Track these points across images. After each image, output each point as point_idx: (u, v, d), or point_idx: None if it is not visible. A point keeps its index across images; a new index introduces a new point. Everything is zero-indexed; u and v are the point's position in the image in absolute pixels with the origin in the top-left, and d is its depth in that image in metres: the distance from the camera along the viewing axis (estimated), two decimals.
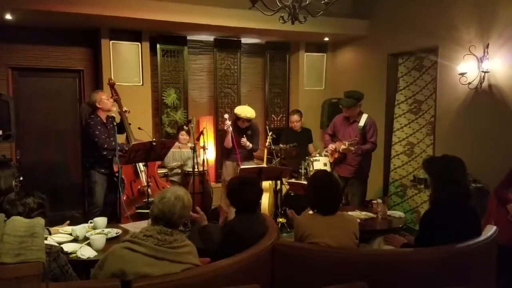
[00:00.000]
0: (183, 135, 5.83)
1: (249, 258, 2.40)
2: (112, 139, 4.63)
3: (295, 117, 6.25)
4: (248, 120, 5.21)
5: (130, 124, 4.95)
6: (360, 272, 2.39)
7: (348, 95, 4.86)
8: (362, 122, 4.80)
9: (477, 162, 4.12)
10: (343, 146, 4.76)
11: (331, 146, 5.00)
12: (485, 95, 4.62)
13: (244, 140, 5.19)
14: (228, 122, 5.13)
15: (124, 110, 4.93)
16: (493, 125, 4.58)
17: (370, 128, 4.82)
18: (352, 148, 4.68)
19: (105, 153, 4.60)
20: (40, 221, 1.97)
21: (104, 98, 4.70)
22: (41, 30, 5.72)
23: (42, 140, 5.99)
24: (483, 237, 2.64)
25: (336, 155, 4.96)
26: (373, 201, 4.23)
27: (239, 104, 6.38)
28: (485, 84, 4.61)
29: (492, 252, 2.69)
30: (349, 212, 3.71)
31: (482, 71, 4.58)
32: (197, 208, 3.08)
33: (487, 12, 4.59)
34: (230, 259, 2.34)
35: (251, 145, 5.27)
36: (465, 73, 4.68)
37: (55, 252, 2.26)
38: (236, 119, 5.28)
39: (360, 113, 4.87)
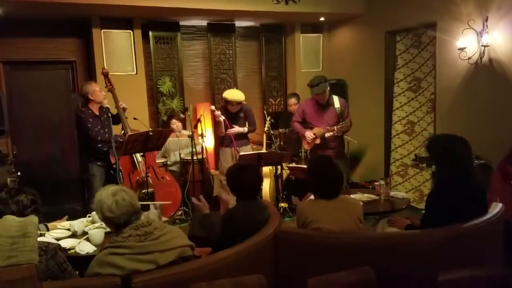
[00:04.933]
0: (174, 124, 5.75)
1: (250, 247, 2.35)
2: (106, 130, 4.55)
3: (292, 101, 6.16)
4: (238, 103, 5.07)
5: (127, 118, 4.85)
6: (365, 257, 2.34)
7: (318, 81, 4.80)
8: (337, 104, 4.90)
9: (479, 137, 4.05)
10: (328, 133, 4.77)
11: (311, 134, 4.92)
12: (486, 69, 4.54)
13: (231, 130, 5.04)
14: (218, 112, 4.99)
15: (120, 105, 4.81)
16: (495, 100, 4.51)
17: (345, 108, 4.98)
18: (336, 132, 4.73)
19: (99, 145, 4.51)
20: (33, 219, 1.91)
21: (97, 90, 4.59)
22: (31, 22, 5.59)
23: (38, 134, 5.92)
24: (489, 215, 2.59)
25: (317, 141, 4.91)
26: (375, 183, 4.17)
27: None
28: (485, 58, 4.52)
29: (499, 230, 2.65)
30: (351, 195, 3.66)
31: (482, 45, 4.49)
32: (200, 196, 3.04)
33: None
34: (231, 250, 2.28)
35: (246, 129, 5.15)
36: (464, 48, 4.59)
37: (52, 249, 2.20)
38: (225, 104, 5.14)
39: (329, 96, 4.90)
